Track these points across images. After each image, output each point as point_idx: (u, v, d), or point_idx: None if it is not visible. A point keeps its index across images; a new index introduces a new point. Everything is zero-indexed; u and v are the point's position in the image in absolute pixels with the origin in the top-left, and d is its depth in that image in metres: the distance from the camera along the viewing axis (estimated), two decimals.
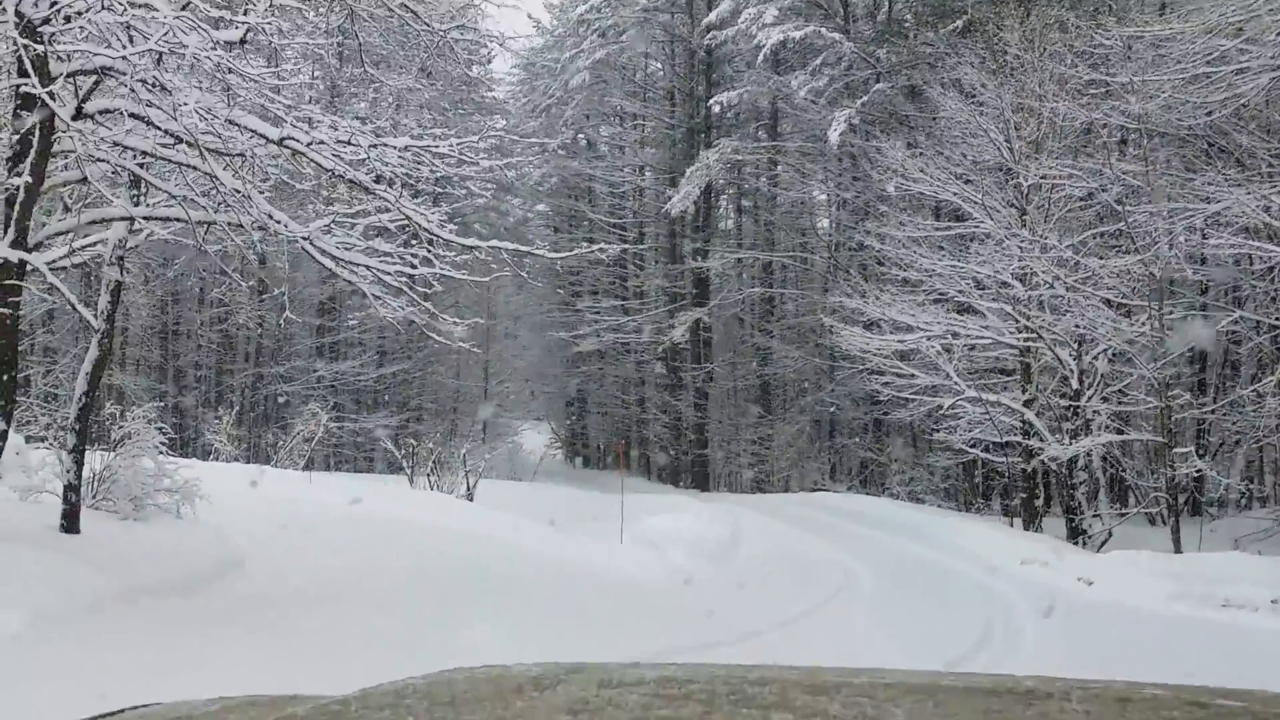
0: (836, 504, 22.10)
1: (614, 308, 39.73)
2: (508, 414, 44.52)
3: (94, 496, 8.98)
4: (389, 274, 9.37)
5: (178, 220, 9.05)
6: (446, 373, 41.08)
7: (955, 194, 17.77)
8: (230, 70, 7.78)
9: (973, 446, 19.05)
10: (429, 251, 9.24)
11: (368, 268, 9.19)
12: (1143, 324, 16.11)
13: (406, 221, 8.59)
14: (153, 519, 8.97)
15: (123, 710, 1.59)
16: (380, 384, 38.16)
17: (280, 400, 35.99)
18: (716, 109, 32.58)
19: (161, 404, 33.70)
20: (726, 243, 36.25)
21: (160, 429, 9.25)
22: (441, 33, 12.29)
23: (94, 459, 9.12)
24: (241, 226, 8.14)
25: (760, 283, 34.04)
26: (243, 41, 7.89)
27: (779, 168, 31.66)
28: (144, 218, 9.13)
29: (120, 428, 9.13)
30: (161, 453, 9.35)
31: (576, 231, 43.02)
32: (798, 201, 33.27)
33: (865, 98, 25.98)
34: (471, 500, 15.47)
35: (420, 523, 11.51)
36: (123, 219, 8.61)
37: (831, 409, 31.55)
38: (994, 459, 19.72)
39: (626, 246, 39.89)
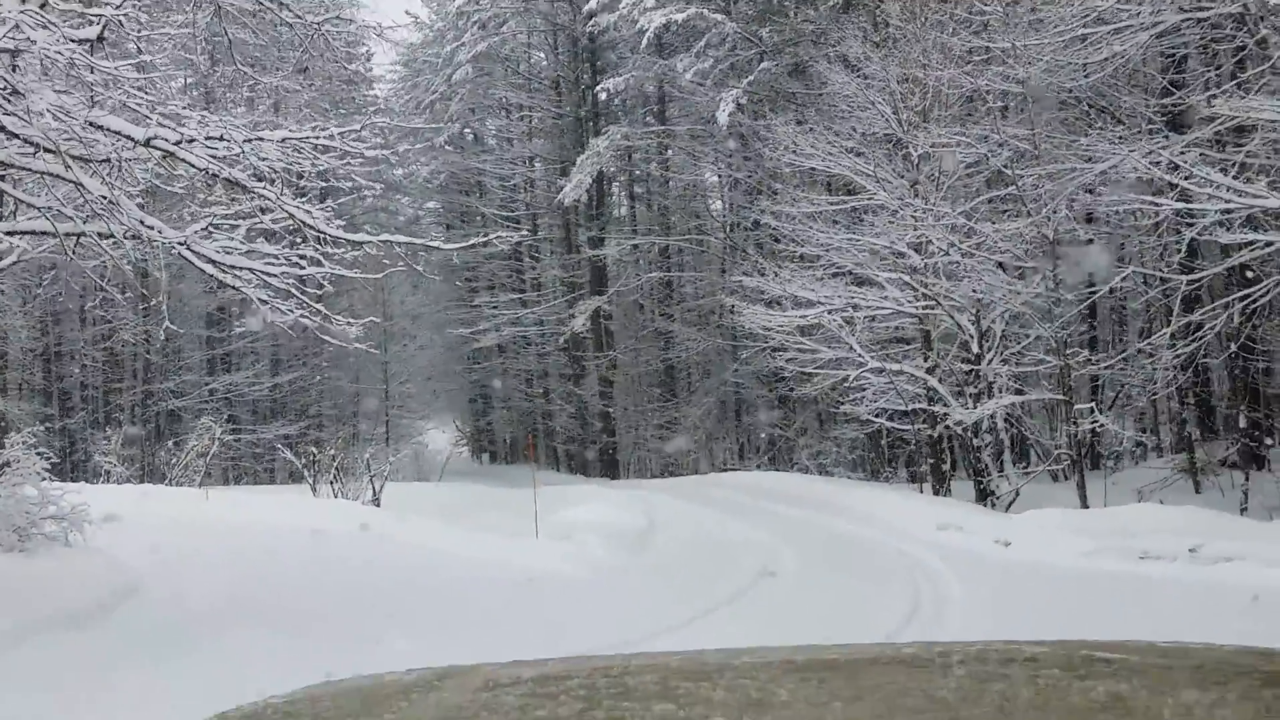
0: (749, 483, 22.10)
1: (512, 301, 39.26)
2: (410, 415, 43.80)
3: None
4: (275, 276, 8.95)
5: (45, 234, 8.52)
6: (345, 377, 40.20)
7: (847, 167, 17.81)
8: (91, 69, 7.31)
9: (877, 416, 19.18)
10: (317, 251, 8.82)
11: (252, 271, 8.77)
12: (1037, 285, 16.35)
13: (291, 220, 8.19)
14: (39, 550, 8.44)
15: None
16: (276, 393, 37.20)
17: (173, 416, 34.82)
18: (603, 96, 32.33)
19: (46, 427, 32.43)
20: (622, 230, 36.09)
21: (42, 454, 8.70)
22: (315, 26, 11.83)
23: None
24: (113, 237, 7.68)
25: (658, 267, 33.94)
26: (100, 39, 7.43)
27: (669, 152, 31.59)
28: (7, 233, 8.58)
29: None
30: (45, 478, 8.81)
31: (469, 227, 42.41)
32: (690, 184, 33.24)
33: (751, 77, 25.98)
34: (378, 505, 15.00)
35: (329, 532, 11.10)
36: None
37: (736, 389, 31.63)
38: (900, 427, 19.89)
39: (521, 239, 39.51)
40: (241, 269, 8.19)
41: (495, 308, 38.77)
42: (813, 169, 19.16)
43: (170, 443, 20.58)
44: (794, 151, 18.22)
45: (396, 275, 43.80)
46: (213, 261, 7.92)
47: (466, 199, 42.63)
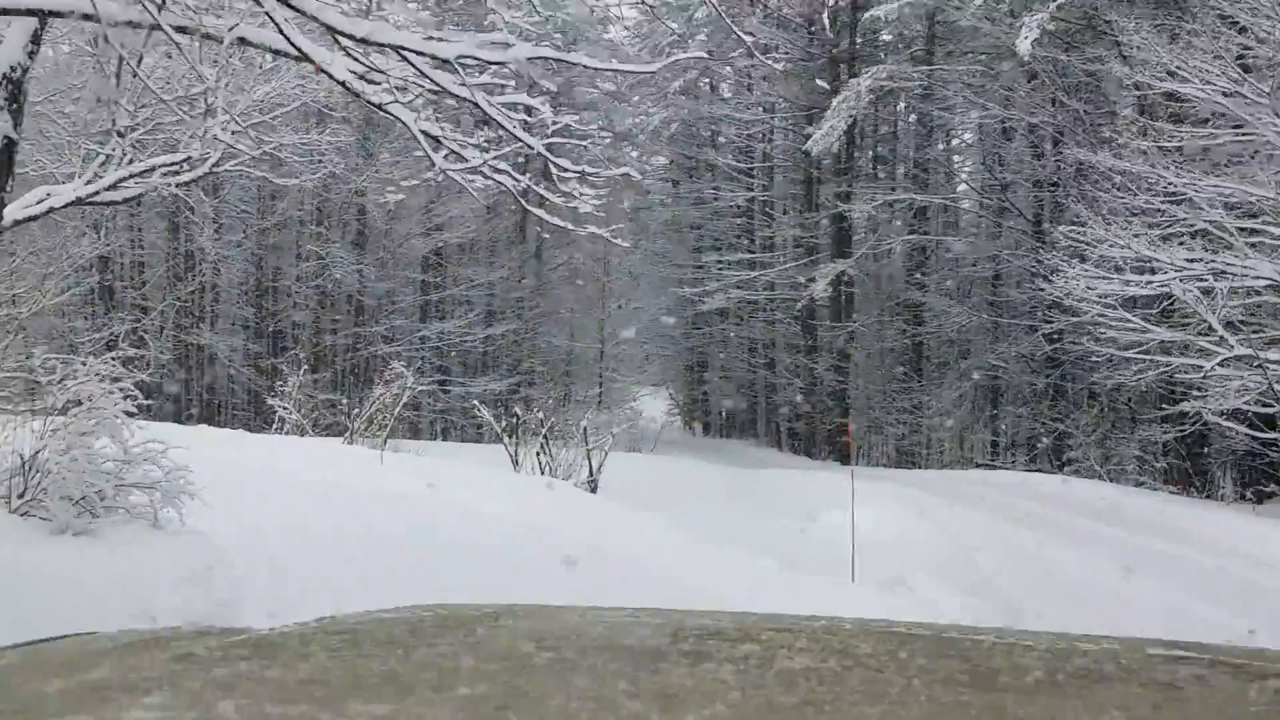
0: (1031, 487, 18.08)
1: (741, 262, 35.89)
2: (624, 378, 41.23)
3: (20, 497, 5.70)
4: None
5: None
6: (559, 333, 37.89)
7: (1223, 95, 13.52)
8: None
9: (1224, 417, 14.91)
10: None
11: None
12: None
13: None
14: (108, 530, 5.67)
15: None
16: (488, 345, 35.16)
17: (382, 362, 33.24)
18: (862, 36, 28.56)
19: (255, 365, 31.29)
20: (874, 185, 32.05)
21: (127, 391, 5.91)
22: None
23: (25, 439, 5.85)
24: None
25: (913, 229, 29.85)
26: None
27: (947, 90, 27.31)
28: None
29: (66, 388, 5.84)
30: (134, 424, 6.04)
31: (698, 181, 39.22)
32: (961, 135, 28.99)
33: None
34: (594, 490, 11.98)
35: (544, 530, 8.01)
36: None
37: (995, 374, 27.37)
38: (1256, 433, 15.53)
39: (754, 195, 36.09)
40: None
41: (725, 267, 35.41)
42: (1169, 98, 14.88)
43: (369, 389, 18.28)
44: (1154, 75, 13.99)
45: (617, 228, 41.43)
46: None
47: (698, 151, 39.44)
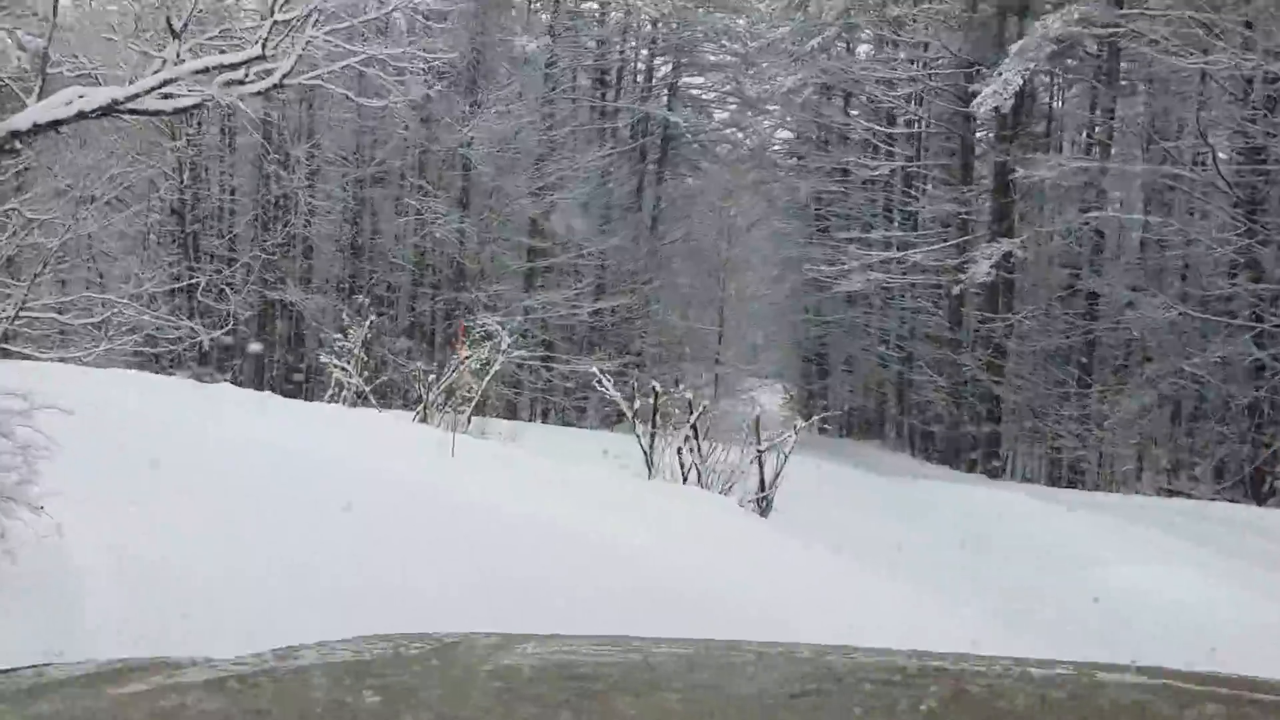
0: (1266, 525, 14.25)
1: (881, 241, 32.08)
2: (743, 366, 37.83)
3: None
4: None
5: None
6: (674, 311, 34.54)
7: None
8: None
9: None
10: None
11: None
12: None
13: None
14: None
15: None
16: (597, 320, 32.03)
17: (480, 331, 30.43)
18: None
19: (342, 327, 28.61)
20: (1043, 156, 27.94)
21: None
22: None
23: None
24: None
25: (1093, 206, 25.76)
26: None
27: (1154, 35, 23.15)
28: None
29: None
30: None
31: (832, 151, 35.43)
32: (1176, 85, 24.81)
33: None
34: (765, 514, 8.57)
35: (732, 596, 4.62)
36: None
37: (1197, 384, 23.28)
38: None
39: (898, 165, 32.24)
40: None
41: (862, 246, 31.61)
42: None
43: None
44: None
45: (743, 196, 37.64)
46: None
47: (832, 117, 35.59)
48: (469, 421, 10.57)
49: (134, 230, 26.35)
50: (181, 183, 26.17)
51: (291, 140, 27.88)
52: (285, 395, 26.88)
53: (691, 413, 9.34)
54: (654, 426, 9.59)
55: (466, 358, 11.03)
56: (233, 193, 29.09)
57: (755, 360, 39.94)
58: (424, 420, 10.63)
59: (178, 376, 15.62)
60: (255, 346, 27.40)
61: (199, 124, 26.97)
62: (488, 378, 11.07)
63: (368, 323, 12.95)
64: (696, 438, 9.37)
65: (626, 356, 31.30)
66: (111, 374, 10.77)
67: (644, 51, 37.50)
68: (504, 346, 11.41)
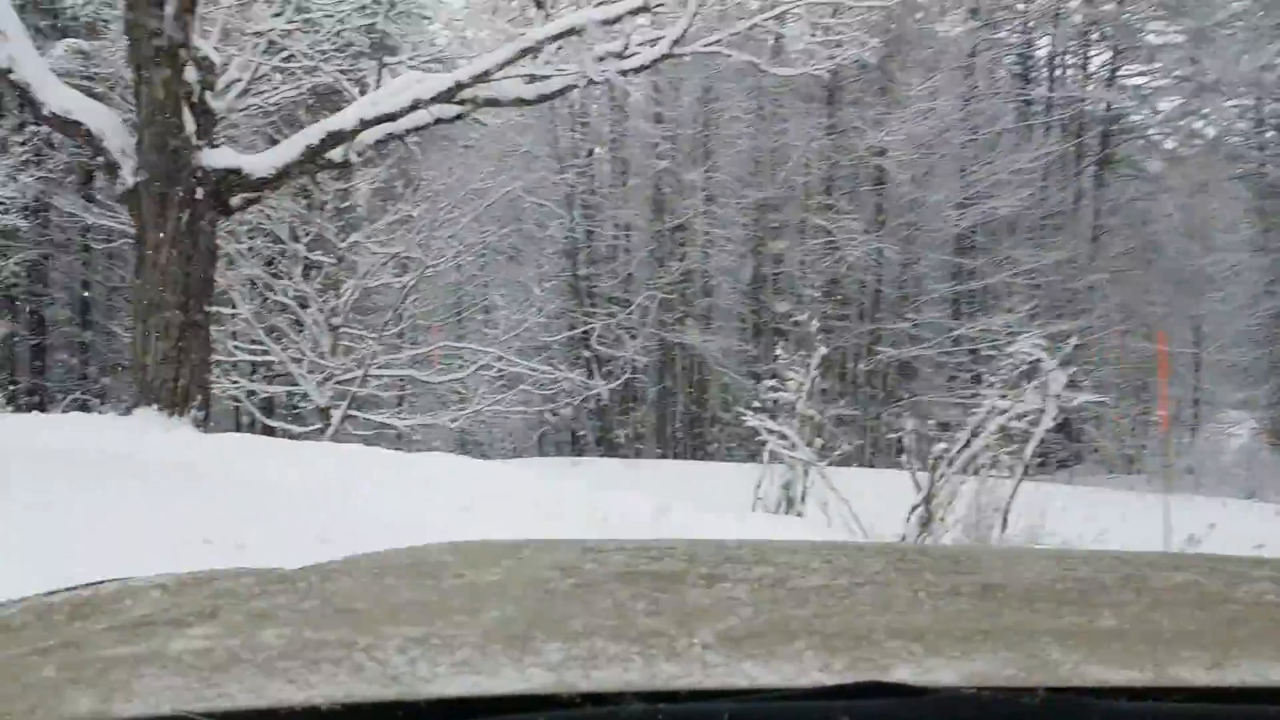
0: None
1: None
2: (1224, 389, 31.15)
3: None
4: None
5: None
6: (1136, 330, 28.48)
7: None
8: None
9: None
10: None
11: None
12: None
13: None
14: None
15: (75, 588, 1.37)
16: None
17: (904, 369, 26.06)
18: None
19: (751, 372, 25.35)
20: None
21: None
22: None
23: None
24: None
25: None
26: None
27: None
28: None
29: None
30: None
31: None
32: None
33: None
34: None
35: None
36: None
37: None
38: None
39: None
40: None
41: None
42: None
43: (899, 407, 10.77)
44: None
45: (1208, 196, 30.84)
46: None
47: None
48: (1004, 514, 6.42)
49: (520, 277, 24.46)
50: (572, 220, 23.90)
51: (686, 163, 25.01)
52: (695, 456, 23.76)
53: None
54: None
55: (1007, 410, 6.89)
56: (627, 229, 26.64)
57: (1240, 386, 32.83)
58: (930, 521, 6.56)
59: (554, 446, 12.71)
60: (651, 393, 24.62)
61: (590, 152, 24.70)
62: (1036, 437, 6.93)
63: (815, 363, 9.09)
64: None
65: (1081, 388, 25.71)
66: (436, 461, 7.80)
67: (1074, 40, 31.99)
68: (1054, 388, 7.18)
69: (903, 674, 0.87)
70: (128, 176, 9.95)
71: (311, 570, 1.38)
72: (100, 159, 10.36)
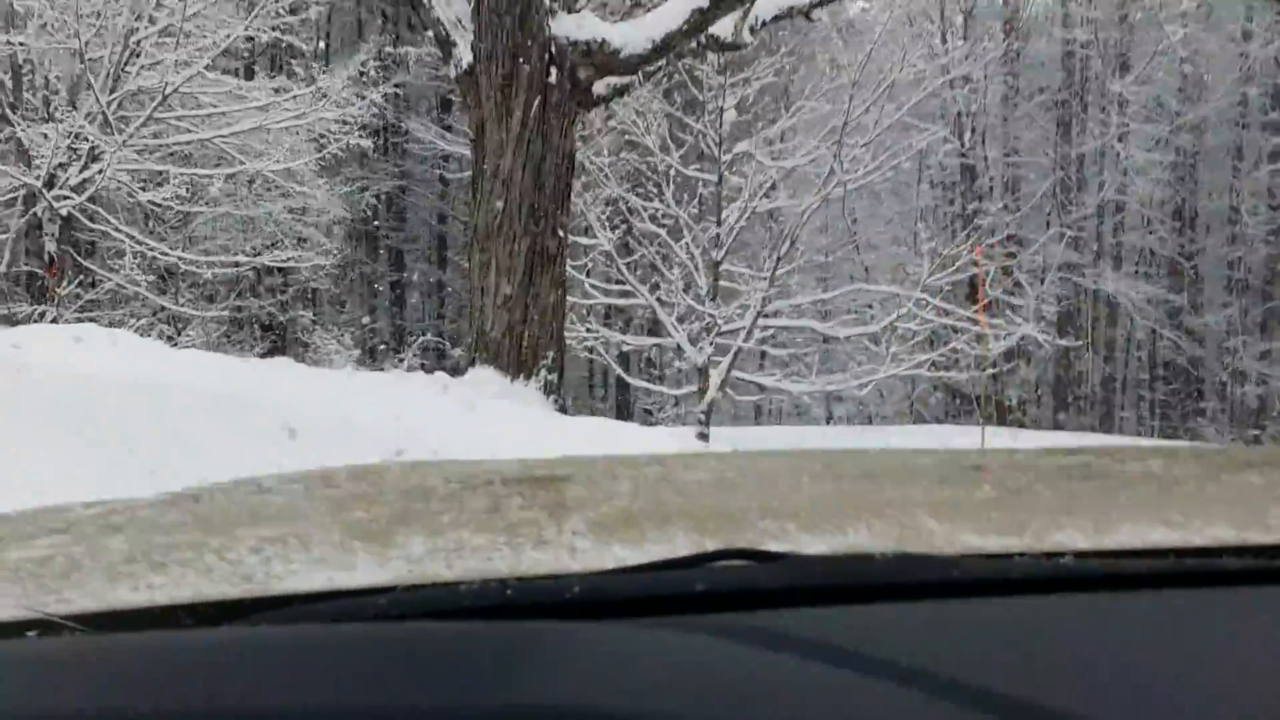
0: None
1: None
2: None
3: None
4: None
5: None
6: None
7: None
8: None
9: None
10: None
11: None
12: None
13: None
14: None
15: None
16: None
17: None
18: None
19: (1176, 326, 21.15)
20: None
21: None
22: None
23: None
24: None
25: None
26: None
27: None
28: None
29: None
30: None
31: None
32: None
33: None
34: None
35: None
36: None
37: None
38: None
39: None
40: None
41: None
42: None
43: None
44: None
45: None
46: None
47: None
48: None
49: (902, 210, 21.37)
50: (962, 145, 20.52)
51: (1102, 76, 20.93)
52: (1102, 428, 19.97)
53: None
54: None
55: None
56: (1018, 153, 22.89)
57: None
58: None
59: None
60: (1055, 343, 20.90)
61: (984, 73, 21.13)
62: None
63: None
64: None
65: None
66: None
67: None
68: None
69: (773, 548, 0.85)
70: (463, 53, 7.84)
71: (200, 489, 1.32)
72: (431, 33, 8.34)
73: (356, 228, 20.98)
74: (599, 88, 8.33)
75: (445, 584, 0.82)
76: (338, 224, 17.91)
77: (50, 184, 12.90)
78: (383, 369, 20.34)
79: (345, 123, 14.93)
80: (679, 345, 11.77)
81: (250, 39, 15.76)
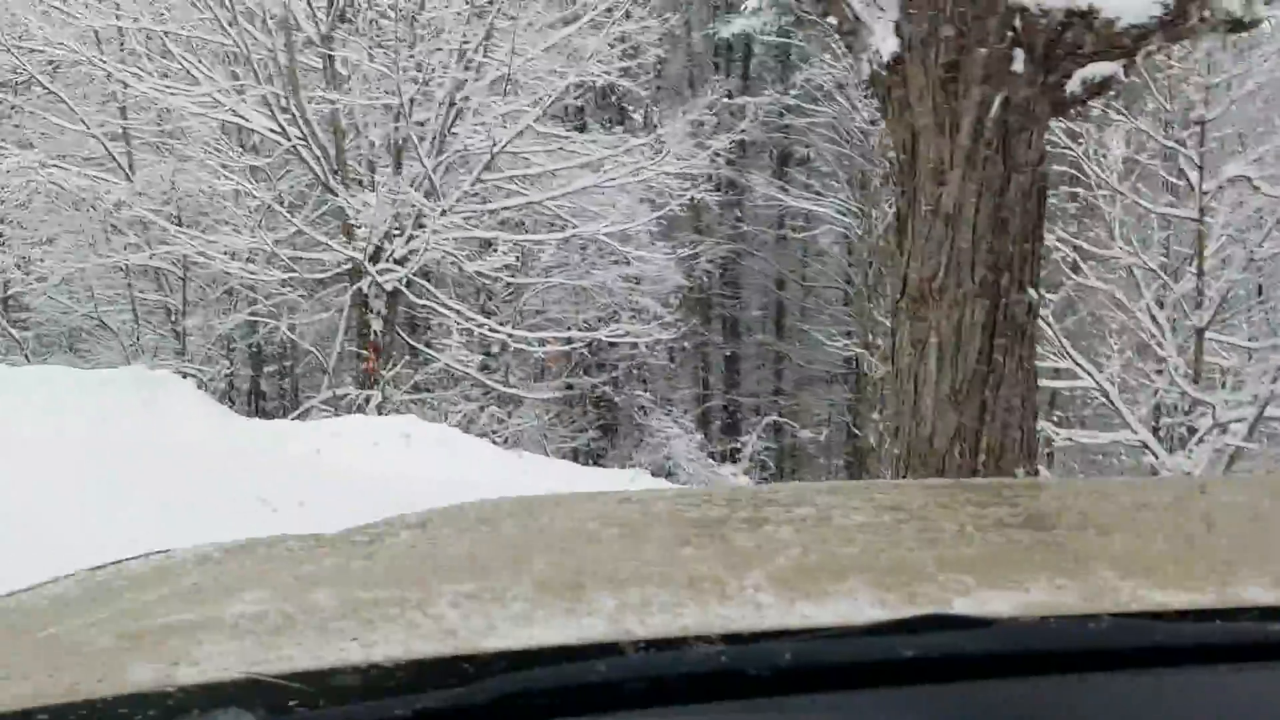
0: None
1: None
2: None
3: None
4: None
5: None
6: None
7: None
8: None
9: None
10: None
11: None
12: None
13: None
14: None
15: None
16: None
17: None
18: None
19: None
20: None
21: None
22: None
23: None
24: None
25: None
26: None
27: None
28: None
29: None
30: None
31: None
32: None
33: None
34: None
35: None
36: None
37: None
38: None
39: None
40: None
41: None
42: None
43: None
44: None
45: None
46: None
47: None
48: None
49: None
50: None
51: None
52: None
53: None
54: None
55: None
56: None
57: None
58: None
59: None
60: None
61: None
62: None
63: None
64: None
65: None
66: None
67: None
68: None
69: (960, 607, 0.86)
70: (883, 41, 5.41)
71: (354, 532, 1.37)
72: (833, 20, 5.99)
73: (690, 296, 19.46)
74: (1074, 83, 5.77)
75: (656, 643, 0.81)
76: (675, 292, 16.39)
77: (375, 257, 11.86)
78: (723, 457, 18.62)
79: (687, 177, 13.26)
80: (1145, 445, 8.50)
81: (580, 92, 14.46)
